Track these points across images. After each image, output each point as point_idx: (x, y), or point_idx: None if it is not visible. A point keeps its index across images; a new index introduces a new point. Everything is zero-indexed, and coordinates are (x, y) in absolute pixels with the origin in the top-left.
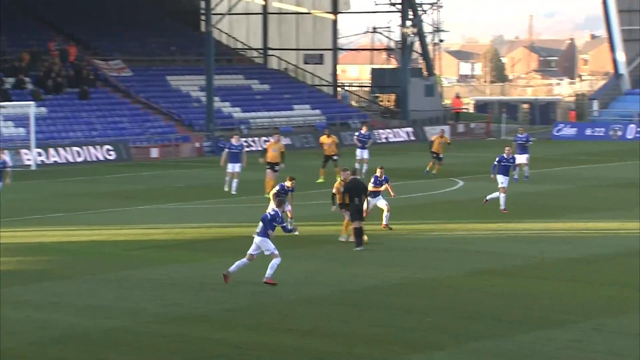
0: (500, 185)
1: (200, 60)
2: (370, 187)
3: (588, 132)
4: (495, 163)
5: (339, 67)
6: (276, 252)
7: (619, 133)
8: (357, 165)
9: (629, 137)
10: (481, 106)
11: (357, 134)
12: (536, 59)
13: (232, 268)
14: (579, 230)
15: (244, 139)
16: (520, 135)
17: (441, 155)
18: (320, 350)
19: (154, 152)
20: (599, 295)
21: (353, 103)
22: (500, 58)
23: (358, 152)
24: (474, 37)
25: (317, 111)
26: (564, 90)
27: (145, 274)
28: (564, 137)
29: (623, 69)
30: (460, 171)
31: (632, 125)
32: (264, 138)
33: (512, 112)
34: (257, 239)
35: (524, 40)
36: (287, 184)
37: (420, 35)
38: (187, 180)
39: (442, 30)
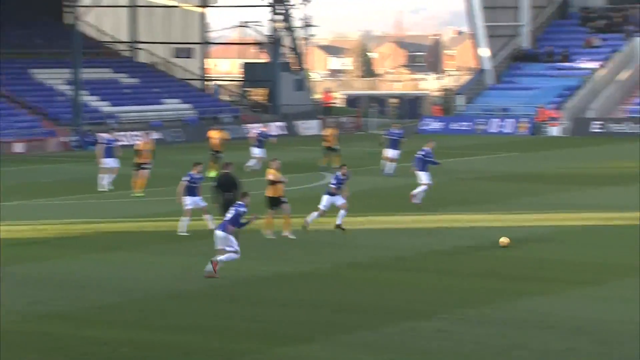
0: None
1: (66, 54)
2: (332, 187)
3: (454, 126)
4: (420, 156)
5: (210, 62)
6: (238, 250)
7: (484, 127)
8: (251, 163)
9: (492, 131)
10: (351, 101)
11: (258, 131)
12: (404, 54)
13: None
14: (446, 222)
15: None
16: (394, 131)
17: (337, 147)
18: (191, 346)
19: (19, 147)
20: (463, 286)
21: (224, 97)
22: (369, 53)
23: (256, 150)
24: (343, 32)
25: (188, 105)
26: (431, 85)
27: (10, 270)
28: (430, 131)
29: (487, 65)
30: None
31: (496, 120)
32: (134, 133)
33: (381, 107)
34: (219, 234)
35: (391, 36)
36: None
37: (290, 29)
38: (54, 176)
39: (312, 25)
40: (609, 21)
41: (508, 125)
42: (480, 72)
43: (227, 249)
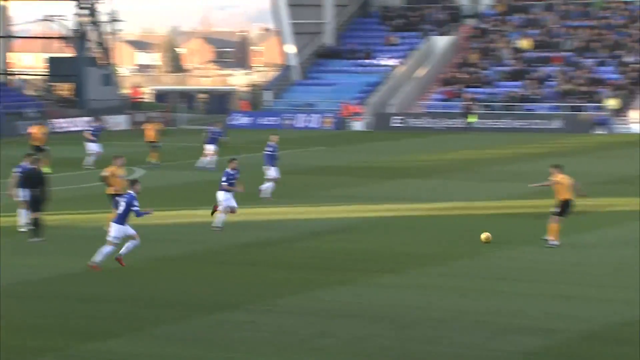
0: (274, 176)
1: None
2: (224, 184)
3: (262, 121)
4: (268, 152)
5: (13, 55)
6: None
7: (291, 122)
8: (89, 160)
9: (299, 125)
10: (160, 96)
11: (90, 128)
12: (212, 50)
13: (100, 257)
14: (254, 215)
15: None
16: (215, 129)
17: (158, 143)
18: None
19: None
20: (271, 277)
21: (29, 92)
22: (178, 49)
23: (90, 145)
24: (151, 27)
25: None
26: (239, 80)
27: None
28: (239, 126)
29: (293, 61)
30: (141, 160)
31: (302, 115)
32: None
33: (190, 102)
34: (117, 227)
35: (199, 32)
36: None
37: (96, 24)
38: None
39: (118, 20)
40: (406, 20)
41: (314, 120)
42: (286, 68)
43: (129, 235)
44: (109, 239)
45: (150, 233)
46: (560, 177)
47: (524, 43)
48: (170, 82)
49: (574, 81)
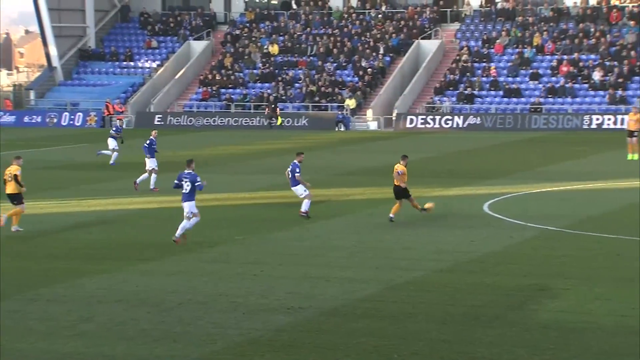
0: (151, 167)
1: None
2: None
3: (26, 119)
4: (146, 145)
5: None
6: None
7: (55, 120)
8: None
9: (64, 124)
10: None
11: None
12: None
13: (179, 232)
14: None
15: None
16: None
17: None
18: None
19: None
20: (35, 268)
21: None
22: None
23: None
24: None
25: None
26: (2, 81)
27: None
28: (4, 124)
29: (56, 62)
30: None
31: (66, 113)
32: None
33: None
34: (185, 205)
35: None
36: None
37: None
38: None
39: None
40: (165, 25)
41: (78, 119)
42: (50, 69)
43: (191, 214)
44: (186, 214)
45: None
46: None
47: (273, 48)
48: None
49: (318, 83)
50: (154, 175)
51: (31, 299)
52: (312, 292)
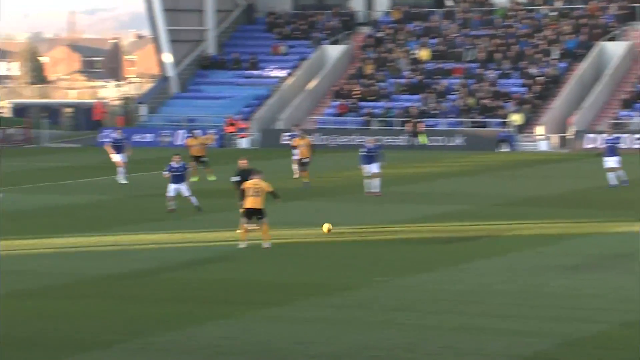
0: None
1: None
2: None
3: (136, 137)
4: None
5: None
6: None
7: (168, 139)
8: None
9: (179, 143)
10: (20, 110)
11: (109, 139)
12: (79, 58)
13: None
14: (129, 243)
15: None
16: (117, 137)
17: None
18: None
19: None
20: (147, 312)
21: None
22: (40, 57)
23: (114, 158)
24: (9, 33)
25: None
26: (110, 93)
27: None
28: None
29: (171, 72)
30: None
31: (181, 131)
32: None
33: (55, 117)
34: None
35: (64, 39)
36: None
37: None
38: None
39: None
40: (296, 28)
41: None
42: (163, 80)
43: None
44: None
45: (4, 265)
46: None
47: (423, 53)
48: (31, 95)
49: (476, 95)
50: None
51: (141, 347)
52: (469, 346)
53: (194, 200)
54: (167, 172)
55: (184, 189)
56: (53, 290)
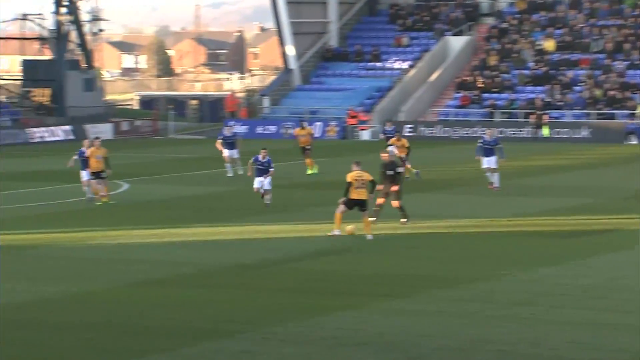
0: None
1: None
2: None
3: (259, 129)
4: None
5: None
6: None
7: (290, 131)
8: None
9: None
10: (147, 102)
11: (219, 135)
12: (204, 51)
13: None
14: (251, 233)
15: None
16: (227, 134)
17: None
18: None
19: None
20: (269, 302)
21: (3, 98)
22: (167, 50)
23: (225, 153)
24: (137, 27)
25: None
26: (234, 85)
27: None
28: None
29: (293, 64)
30: (125, 173)
31: (304, 123)
32: None
33: (180, 109)
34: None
35: (190, 32)
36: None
37: (77, 24)
38: None
39: (102, 19)
40: (418, 19)
41: (317, 129)
42: (286, 72)
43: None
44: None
45: (133, 254)
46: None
47: (548, 44)
48: (158, 87)
49: (603, 86)
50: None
51: (263, 337)
52: (596, 342)
53: (268, 198)
54: (251, 165)
55: (266, 183)
56: (178, 280)
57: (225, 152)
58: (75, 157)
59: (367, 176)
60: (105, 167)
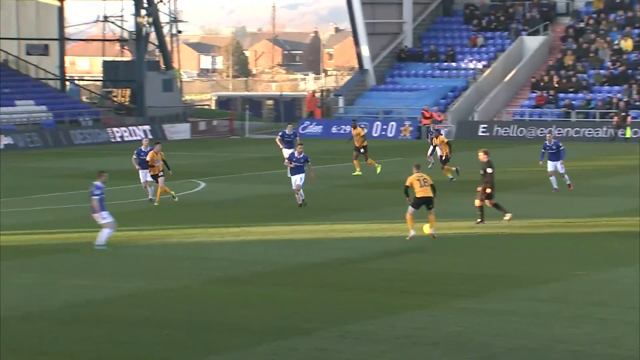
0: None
1: None
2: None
3: (334, 129)
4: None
5: (67, 59)
6: None
7: (365, 130)
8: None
9: (375, 134)
10: (224, 102)
11: (280, 133)
12: (280, 52)
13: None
14: (326, 232)
15: None
16: (287, 132)
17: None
18: None
19: None
20: (343, 300)
21: (84, 99)
22: (243, 51)
23: (284, 152)
24: (214, 28)
25: (43, 107)
26: (309, 85)
27: None
28: (310, 135)
29: (368, 64)
30: (202, 172)
31: (378, 123)
32: None
33: (256, 109)
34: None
35: (267, 33)
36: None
37: (157, 25)
38: None
39: (180, 21)
40: (493, 19)
41: (391, 129)
42: (361, 72)
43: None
44: None
45: (210, 252)
46: None
47: (626, 44)
48: (234, 88)
49: None
50: None
51: (340, 335)
52: None
53: (300, 195)
54: (288, 162)
55: (302, 180)
56: (254, 278)
57: (285, 152)
58: (134, 156)
59: (429, 179)
60: (165, 169)
